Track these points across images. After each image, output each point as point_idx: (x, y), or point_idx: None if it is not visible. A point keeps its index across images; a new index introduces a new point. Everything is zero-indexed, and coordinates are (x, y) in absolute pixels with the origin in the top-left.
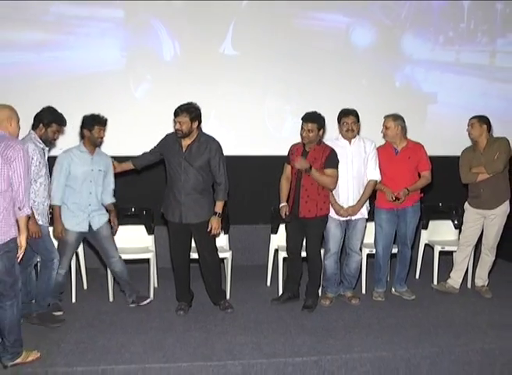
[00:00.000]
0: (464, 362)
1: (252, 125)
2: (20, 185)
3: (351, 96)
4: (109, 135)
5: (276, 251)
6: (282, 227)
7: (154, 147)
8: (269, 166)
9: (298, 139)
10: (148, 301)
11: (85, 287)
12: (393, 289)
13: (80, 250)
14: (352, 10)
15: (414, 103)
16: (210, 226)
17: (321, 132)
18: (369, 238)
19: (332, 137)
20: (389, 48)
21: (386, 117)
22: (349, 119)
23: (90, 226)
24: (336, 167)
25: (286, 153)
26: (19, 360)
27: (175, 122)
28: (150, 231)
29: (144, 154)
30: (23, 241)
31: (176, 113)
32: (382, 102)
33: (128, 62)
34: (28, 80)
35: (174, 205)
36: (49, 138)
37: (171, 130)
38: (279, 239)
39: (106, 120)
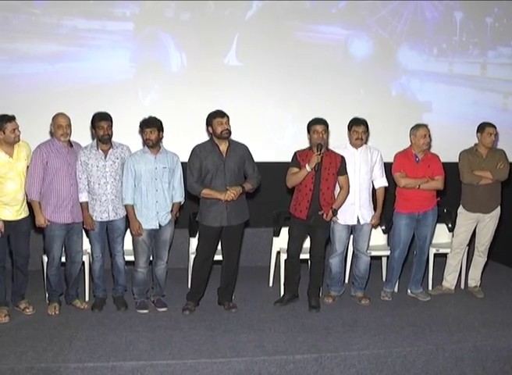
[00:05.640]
0: (457, 358)
1: (255, 132)
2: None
3: (349, 105)
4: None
5: (278, 253)
6: (283, 230)
7: (193, 166)
8: (271, 172)
9: (299, 146)
10: (165, 309)
11: None
12: (409, 291)
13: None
14: (350, 23)
15: (410, 112)
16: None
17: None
18: (374, 241)
19: (341, 144)
20: (386, 59)
21: (424, 126)
22: (359, 128)
23: (159, 223)
24: (347, 173)
25: (287, 159)
26: None
27: (221, 123)
28: None
29: (196, 181)
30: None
31: (223, 115)
32: (379, 111)
33: (137, 72)
34: (43, 90)
35: (216, 209)
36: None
37: (178, 136)
38: (280, 242)
39: (151, 121)
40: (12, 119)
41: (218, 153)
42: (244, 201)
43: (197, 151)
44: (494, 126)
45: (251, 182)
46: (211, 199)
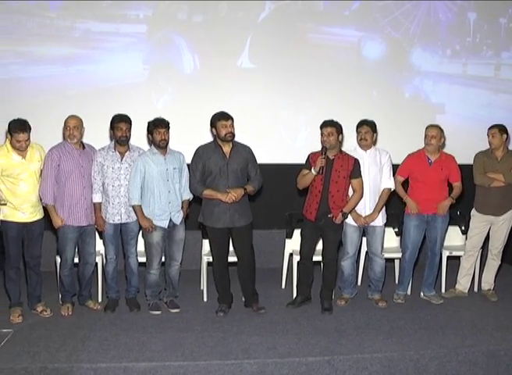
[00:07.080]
0: (471, 362)
1: (268, 135)
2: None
3: (362, 107)
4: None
5: (291, 255)
6: (296, 232)
7: (196, 167)
8: (284, 174)
9: (312, 148)
10: (177, 311)
11: None
12: (422, 293)
13: (103, 250)
14: (363, 25)
15: (423, 113)
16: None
17: (340, 137)
18: (386, 243)
19: (350, 147)
20: (399, 60)
21: (433, 127)
22: (362, 128)
23: (171, 221)
24: (361, 176)
25: (300, 161)
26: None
27: (225, 126)
28: None
29: (198, 182)
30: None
31: (228, 117)
32: (392, 113)
33: (150, 74)
34: (57, 92)
35: (219, 211)
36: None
37: (190, 138)
38: (293, 243)
39: (164, 122)
40: (24, 130)
41: (222, 154)
42: (247, 203)
43: (200, 152)
44: (498, 128)
45: (253, 184)
46: (213, 200)
